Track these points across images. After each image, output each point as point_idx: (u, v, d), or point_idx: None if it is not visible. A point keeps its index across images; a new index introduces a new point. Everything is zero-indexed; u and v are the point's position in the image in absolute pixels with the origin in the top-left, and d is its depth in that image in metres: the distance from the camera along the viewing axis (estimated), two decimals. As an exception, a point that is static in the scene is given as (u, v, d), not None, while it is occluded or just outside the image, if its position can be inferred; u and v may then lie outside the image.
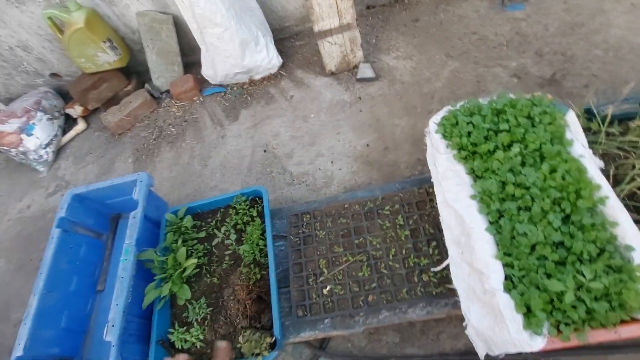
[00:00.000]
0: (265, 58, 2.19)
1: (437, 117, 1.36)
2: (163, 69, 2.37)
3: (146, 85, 2.43)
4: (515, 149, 1.16)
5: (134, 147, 2.31)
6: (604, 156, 1.29)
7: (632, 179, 1.14)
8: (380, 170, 1.81)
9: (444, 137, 1.29)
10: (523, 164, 1.16)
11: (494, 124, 1.23)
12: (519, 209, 1.10)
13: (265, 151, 2.05)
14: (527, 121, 1.21)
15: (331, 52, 2.09)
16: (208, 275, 1.43)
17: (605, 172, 1.24)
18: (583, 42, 1.96)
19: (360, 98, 2.10)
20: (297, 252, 1.46)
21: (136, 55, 2.46)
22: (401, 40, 2.27)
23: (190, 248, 1.48)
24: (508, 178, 1.12)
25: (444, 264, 1.18)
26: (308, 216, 1.53)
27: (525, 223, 1.06)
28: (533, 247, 1.04)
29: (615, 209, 1.05)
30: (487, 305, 1.04)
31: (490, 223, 1.12)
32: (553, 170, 1.12)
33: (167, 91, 2.43)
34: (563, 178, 1.10)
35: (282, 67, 2.36)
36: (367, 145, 1.92)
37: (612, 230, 1.05)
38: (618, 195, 1.15)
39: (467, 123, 1.24)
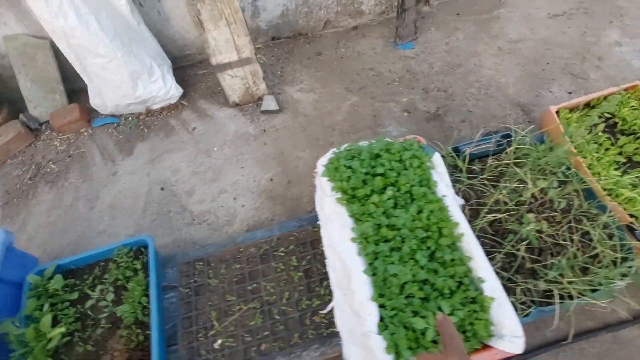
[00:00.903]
0: (161, 89, 2.07)
1: (324, 159, 1.40)
2: (41, 98, 2.10)
3: (21, 116, 2.13)
4: (389, 192, 1.24)
5: (3, 188, 1.99)
6: (470, 191, 1.46)
7: (484, 216, 1.30)
8: (283, 205, 1.81)
9: (330, 179, 1.34)
10: (395, 206, 1.24)
11: (372, 168, 1.31)
12: (392, 249, 1.17)
13: (163, 189, 1.92)
14: (399, 165, 1.31)
15: (232, 84, 2.06)
16: (81, 343, 1.27)
17: (469, 207, 1.40)
18: (461, 80, 2.22)
19: (264, 130, 2.09)
20: (188, 304, 1.37)
21: (7, 81, 2.15)
22: (305, 72, 2.33)
23: (60, 313, 1.30)
24: (382, 221, 1.20)
25: (329, 307, 1.20)
26: (201, 263, 1.45)
27: (396, 263, 1.13)
28: (403, 287, 1.12)
29: (470, 244, 1.18)
30: (365, 348, 1.08)
31: (369, 265, 1.17)
32: (420, 211, 1.22)
33: (48, 122, 2.16)
34: (428, 218, 1.20)
35: (184, 96, 2.26)
36: (271, 179, 1.91)
37: (468, 263, 1.18)
38: (474, 229, 1.30)
39: (347, 167, 1.30)
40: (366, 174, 1.29)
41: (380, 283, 1.12)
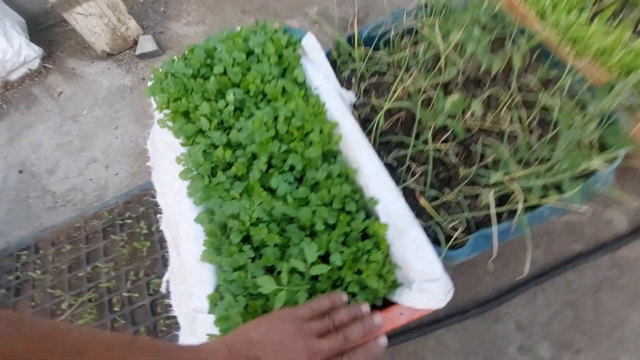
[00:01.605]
0: (7, 49, 1.63)
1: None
2: None
3: None
4: (229, 96, 0.81)
5: None
6: (377, 85, 1.01)
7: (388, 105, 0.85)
8: (166, 164, 1.39)
9: (156, 98, 0.90)
10: (241, 115, 0.81)
11: (207, 68, 0.87)
12: (234, 179, 0.75)
13: (21, 171, 1.51)
14: (248, 58, 0.87)
15: (91, 27, 1.60)
16: None
17: (369, 108, 0.96)
18: (385, -27, 1.72)
19: (144, 79, 1.65)
20: (5, 310, 0.98)
21: None
22: (193, 2, 1.85)
23: None
24: (216, 139, 0.77)
25: (163, 283, 0.80)
26: (26, 253, 1.06)
27: (237, 199, 0.71)
28: (248, 235, 0.70)
29: (355, 151, 0.75)
30: (194, 335, 0.68)
31: (206, 208, 0.76)
32: (277, 116, 0.78)
33: None
34: (288, 122, 0.77)
35: (50, 58, 1.81)
36: (152, 136, 1.49)
37: (356, 180, 0.75)
38: (373, 132, 0.86)
39: (167, 74, 0.86)
40: (195, 77, 0.85)
41: (216, 233, 0.71)
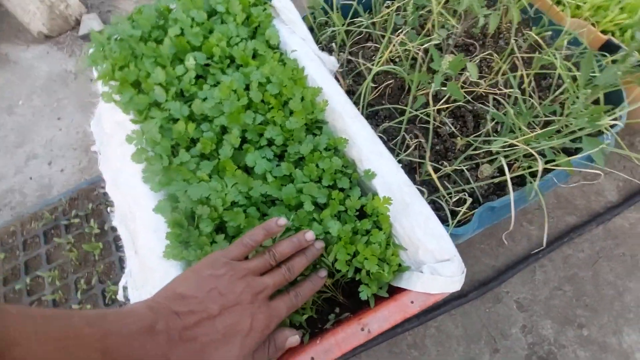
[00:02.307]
0: None
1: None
2: None
3: None
4: (188, 61, 0.67)
5: None
6: (359, 56, 0.91)
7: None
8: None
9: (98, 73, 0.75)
10: (204, 83, 0.68)
11: (163, 31, 0.73)
12: (202, 157, 0.62)
13: (-58, 174, 1.28)
14: (210, 18, 0.74)
15: (24, 4, 1.38)
16: None
17: (354, 79, 0.86)
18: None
19: (91, 63, 1.45)
20: None
21: None
22: (146, -22, 1.67)
23: None
24: (176, 111, 0.63)
25: (121, 285, 0.65)
26: (-54, 267, 0.86)
27: (208, 180, 0.58)
28: (222, 222, 0.57)
29: (344, 118, 0.64)
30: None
31: (167, 195, 0.62)
32: (248, 83, 0.66)
33: None
34: (263, 90, 0.65)
35: (-25, 43, 1.56)
36: (103, 125, 1.30)
37: (347, 152, 0.64)
38: (360, 102, 0.76)
39: (110, 38, 0.71)
40: (146, 40, 0.70)
41: (182, 223, 0.58)
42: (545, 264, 0.99)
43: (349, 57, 0.88)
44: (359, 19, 0.90)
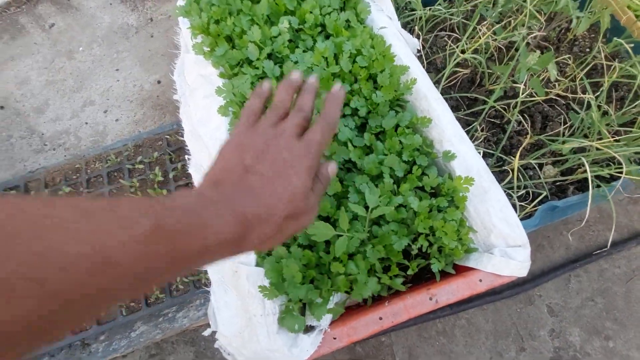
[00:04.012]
0: (-10, -35, 1.41)
1: (183, -2, 0.83)
2: None
3: None
4: (283, 24, 0.69)
5: None
6: (438, 35, 0.91)
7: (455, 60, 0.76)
8: (175, 113, 1.25)
9: (190, 20, 0.77)
10: (295, 47, 0.70)
11: (256, -10, 0.74)
12: (288, 118, 0.64)
13: (2, 107, 1.32)
14: (305, -18, 0.75)
15: (94, -50, 1.41)
16: None
17: (428, 63, 0.87)
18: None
19: (151, 19, 1.47)
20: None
21: None
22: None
23: None
24: (268, 70, 0.65)
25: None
26: (14, 193, 0.91)
27: (293, 139, 0.61)
28: (304, 179, 0.60)
29: (428, 100, 0.66)
30: (237, 291, 0.58)
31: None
32: (339, 52, 0.68)
33: None
34: (352, 61, 0.67)
35: (40, -15, 1.59)
36: (159, 82, 1.33)
37: (426, 131, 0.66)
38: (439, 82, 0.77)
39: (207, -10, 0.73)
40: (242, -2, 0.72)
41: (265, 177, 0.60)
42: (580, 274, 1.00)
43: (428, 37, 0.89)
44: (437, 6, 0.90)
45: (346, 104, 0.65)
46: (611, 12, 0.87)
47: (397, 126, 0.64)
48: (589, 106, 0.76)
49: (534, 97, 0.80)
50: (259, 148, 0.35)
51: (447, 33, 0.91)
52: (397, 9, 0.93)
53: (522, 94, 0.71)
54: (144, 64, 1.38)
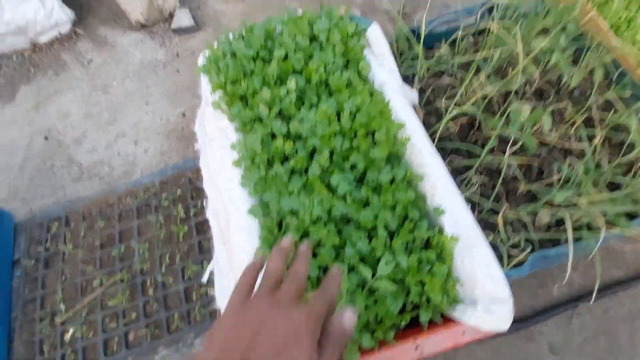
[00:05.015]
0: (39, 10, 1.58)
1: (207, 51, 0.92)
2: None
3: None
4: (291, 83, 0.77)
5: None
6: (437, 85, 0.96)
7: (451, 113, 0.81)
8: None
9: (210, 77, 0.86)
10: (302, 104, 0.77)
11: (266, 51, 0.83)
12: (292, 172, 0.72)
13: (47, 138, 1.48)
14: (312, 43, 0.83)
15: (128, -5, 1.55)
16: None
17: (427, 109, 0.92)
18: (435, -32, 1.65)
19: (177, 55, 1.60)
20: (34, 281, 0.96)
21: None
22: (233, -21, 1.79)
23: None
24: (276, 128, 0.73)
25: (207, 272, 0.77)
26: (57, 224, 1.03)
27: (295, 195, 0.68)
28: (306, 233, 0.67)
29: (422, 156, 0.71)
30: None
31: (258, 200, 0.72)
32: (340, 110, 0.75)
33: None
34: (353, 118, 0.73)
35: (80, 24, 1.76)
36: (183, 114, 1.45)
37: (420, 186, 0.72)
38: (435, 138, 0.82)
39: (226, 53, 0.82)
40: (255, 59, 0.81)
41: (272, 228, 0.68)
42: (583, 313, 1.01)
43: (427, 87, 0.94)
44: (441, 51, 0.95)
45: (345, 158, 0.72)
46: (613, 58, 0.89)
47: (392, 180, 0.70)
48: (584, 155, 0.79)
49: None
50: (254, 329, 0.32)
51: (452, 78, 0.96)
52: (402, 58, 0.99)
53: (514, 145, 0.75)
54: (170, 97, 1.50)
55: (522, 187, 0.80)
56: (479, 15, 0.98)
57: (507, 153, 0.74)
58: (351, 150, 0.72)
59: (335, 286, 0.39)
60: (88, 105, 1.53)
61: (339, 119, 0.74)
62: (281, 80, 0.80)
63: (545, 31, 0.86)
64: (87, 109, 1.53)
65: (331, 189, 0.70)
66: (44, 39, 1.70)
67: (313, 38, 0.83)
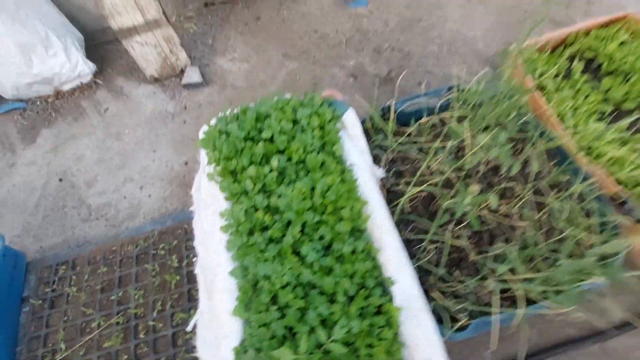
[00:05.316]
0: (65, 64, 1.78)
1: (206, 126, 1.08)
2: None
3: None
4: (274, 162, 0.91)
5: None
6: (403, 160, 1.10)
7: (412, 190, 0.95)
8: (196, 192, 1.49)
9: (208, 150, 1.01)
10: (282, 179, 0.91)
11: (257, 132, 0.98)
12: (270, 241, 0.84)
13: (61, 180, 1.63)
14: (294, 126, 0.98)
15: (145, 54, 1.75)
16: None
17: (396, 182, 1.05)
18: (420, 37, 1.85)
19: (185, 107, 1.78)
20: (39, 320, 1.07)
21: None
22: (240, 40, 2.00)
23: None
24: (258, 201, 0.86)
25: (192, 322, 0.88)
26: (64, 267, 1.15)
27: (270, 261, 0.80)
28: (276, 295, 0.78)
29: (381, 230, 0.84)
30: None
31: (240, 264, 0.85)
32: (314, 187, 0.88)
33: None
34: (323, 195, 0.86)
35: (100, 74, 1.96)
36: (186, 163, 1.60)
37: (378, 257, 0.83)
38: (398, 211, 0.95)
39: (222, 132, 0.97)
40: (246, 139, 0.96)
41: (248, 289, 0.80)
42: (538, 370, 1.09)
43: (395, 161, 1.08)
44: (411, 129, 1.10)
45: (315, 230, 0.84)
46: (558, 145, 1.03)
47: (354, 251, 0.82)
48: (524, 233, 0.90)
49: (483, 219, 0.95)
50: None
51: (414, 155, 1.10)
52: (375, 132, 1.14)
53: (462, 221, 0.87)
54: (176, 146, 1.66)
55: (472, 256, 0.91)
56: (443, 100, 1.13)
57: (450, 229, 0.86)
58: (321, 223, 0.84)
59: None
60: (101, 150, 1.70)
61: (312, 197, 0.87)
62: (267, 158, 0.94)
63: (498, 123, 1.00)
64: (101, 153, 1.69)
65: (301, 257, 0.82)
66: (67, 87, 1.90)
67: (296, 122, 0.98)
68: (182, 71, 1.86)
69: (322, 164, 0.92)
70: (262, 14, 2.11)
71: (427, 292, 0.89)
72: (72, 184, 1.61)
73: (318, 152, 0.93)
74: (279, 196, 0.87)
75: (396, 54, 1.80)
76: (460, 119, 1.02)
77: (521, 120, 1.05)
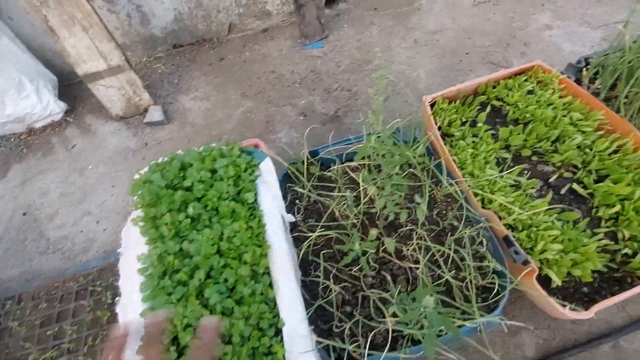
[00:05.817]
0: (36, 105, 1.91)
1: (137, 175, 1.18)
2: None
3: None
4: (190, 209, 1.00)
5: None
6: (316, 205, 1.20)
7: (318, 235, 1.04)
8: (148, 227, 1.59)
9: (136, 197, 1.11)
10: (196, 225, 1.00)
11: (181, 180, 1.08)
12: (178, 284, 0.93)
13: (25, 214, 1.73)
14: (213, 176, 1.08)
15: (109, 96, 1.88)
16: None
17: (308, 225, 1.14)
18: (368, 78, 1.98)
19: (146, 144, 1.89)
20: (-19, 353, 1.14)
21: None
22: (203, 80, 2.14)
23: None
24: (169, 247, 0.95)
25: None
26: (10, 302, 1.23)
27: (175, 304, 0.88)
28: (177, 337, 0.86)
29: (280, 272, 0.92)
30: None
31: (149, 306, 0.93)
32: (222, 232, 0.97)
33: None
34: (230, 241, 0.95)
35: (72, 112, 2.09)
36: (142, 198, 1.70)
37: (277, 299, 0.92)
38: (304, 253, 1.04)
39: (145, 182, 1.07)
40: (167, 187, 1.05)
41: (154, 329, 0.87)
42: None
43: (308, 206, 1.18)
44: (330, 171, 1.20)
45: (221, 273, 0.93)
46: (459, 189, 1.12)
47: (253, 293, 0.90)
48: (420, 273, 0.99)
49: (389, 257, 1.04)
50: None
51: (323, 200, 1.20)
52: (296, 176, 1.24)
53: (356, 265, 0.96)
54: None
55: (373, 295, 0.99)
56: (351, 149, 1.23)
57: (354, 270, 0.95)
58: (226, 267, 0.93)
59: (212, 335, 0.45)
60: (65, 185, 1.80)
61: (221, 240, 0.96)
62: (186, 204, 1.04)
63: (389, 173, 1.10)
64: (64, 188, 1.79)
65: (205, 299, 0.91)
66: (39, 124, 2.03)
67: (214, 171, 1.08)
68: (146, 110, 1.99)
69: (233, 211, 1.01)
70: (226, 55, 2.26)
71: (329, 331, 0.97)
72: (35, 217, 1.71)
73: (231, 200, 1.03)
74: (190, 242, 0.96)
75: (344, 94, 1.93)
76: (361, 168, 1.13)
77: (426, 168, 1.15)
